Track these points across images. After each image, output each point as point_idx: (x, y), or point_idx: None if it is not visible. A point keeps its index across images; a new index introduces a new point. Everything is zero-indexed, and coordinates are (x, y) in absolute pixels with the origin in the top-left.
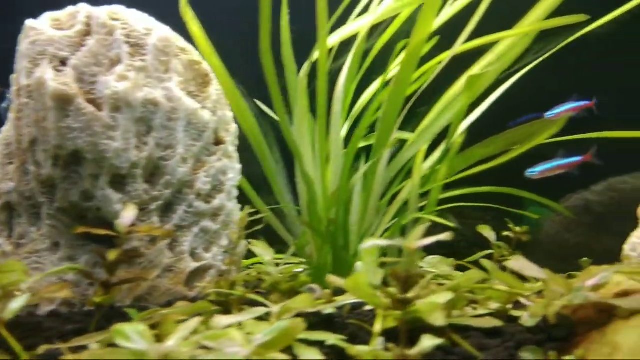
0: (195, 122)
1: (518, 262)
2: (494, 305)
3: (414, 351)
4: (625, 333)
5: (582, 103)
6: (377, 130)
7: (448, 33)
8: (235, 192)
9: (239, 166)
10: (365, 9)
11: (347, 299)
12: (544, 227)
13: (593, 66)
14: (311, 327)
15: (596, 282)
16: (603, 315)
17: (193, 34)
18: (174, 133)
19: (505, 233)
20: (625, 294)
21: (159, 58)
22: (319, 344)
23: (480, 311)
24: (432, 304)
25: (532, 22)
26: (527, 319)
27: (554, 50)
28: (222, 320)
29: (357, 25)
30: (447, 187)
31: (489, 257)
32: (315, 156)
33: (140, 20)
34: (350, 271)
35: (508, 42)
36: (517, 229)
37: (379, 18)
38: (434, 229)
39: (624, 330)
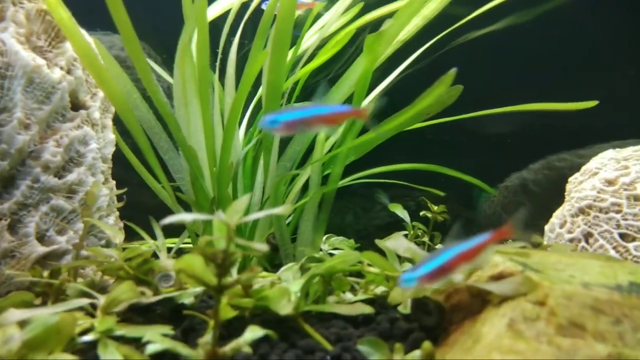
0: (39, 81)
1: (394, 242)
2: (379, 290)
3: (228, 348)
4: (492, 322)
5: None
6: (264, 102)
7: None
8: (101, 166)
9: (111, 136)
10: None
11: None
12: (482, 207)
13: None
14: (150, 320)
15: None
16: (477, 301)
17: None
18: (9, 94)
19: (423, 213)
20: (500, 276)
21: None
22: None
23: (361, 296)
24: (281, 290)
25: None
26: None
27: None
28: (13, 315)
29: None
30: (367, 164)
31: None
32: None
33: None
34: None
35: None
36: (435, 208)
37: None
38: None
39: (492, 318)
